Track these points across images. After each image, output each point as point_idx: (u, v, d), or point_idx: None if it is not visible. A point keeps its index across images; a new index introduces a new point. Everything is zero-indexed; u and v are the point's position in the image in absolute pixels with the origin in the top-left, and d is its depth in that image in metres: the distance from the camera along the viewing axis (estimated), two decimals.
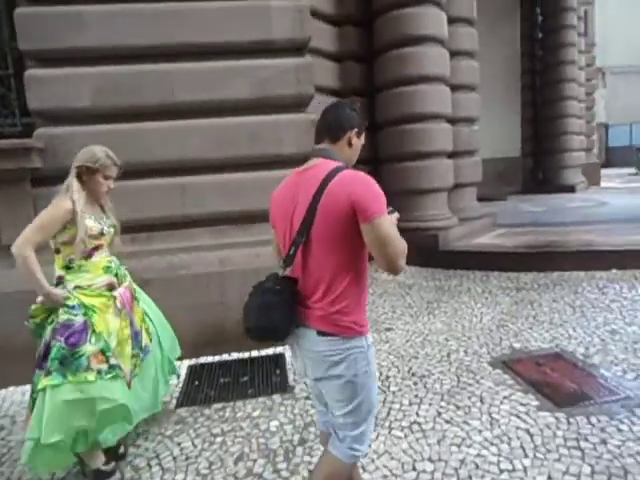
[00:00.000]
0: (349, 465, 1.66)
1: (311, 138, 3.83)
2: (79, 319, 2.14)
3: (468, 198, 6.96)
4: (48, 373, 2.08)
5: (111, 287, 2.29)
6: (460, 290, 4.82)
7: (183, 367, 3.47)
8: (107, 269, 2.32)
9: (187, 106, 3.62)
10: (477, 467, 2.17)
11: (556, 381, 2.89)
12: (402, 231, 1.49)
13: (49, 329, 2.16)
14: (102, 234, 2.29)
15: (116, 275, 2.38)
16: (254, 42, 3.63)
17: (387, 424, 2.57)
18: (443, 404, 2.73)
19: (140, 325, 2.47)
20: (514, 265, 5.20)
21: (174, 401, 3.03)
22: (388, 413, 2.68)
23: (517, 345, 3.45)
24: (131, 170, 3.55)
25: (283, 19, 3.62)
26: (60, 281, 2.22)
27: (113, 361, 2.21)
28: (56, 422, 2.05)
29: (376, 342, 3.62)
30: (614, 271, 4.95)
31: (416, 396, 2.84)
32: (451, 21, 6.31)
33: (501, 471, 2.13)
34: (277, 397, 2.98)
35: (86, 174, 2.24)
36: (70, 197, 2.17)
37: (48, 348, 2.12)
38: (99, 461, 2.31)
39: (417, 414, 2.65)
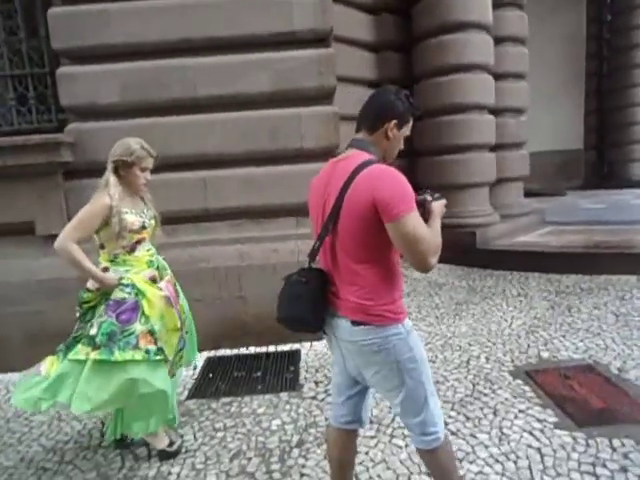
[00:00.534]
0: (442, 448, 1.61)
1: (334, 131, 3.81)
2: (132, 298, 2.17)
3: (514, 193, 6.57)
4: (95, 346, 2.08)
5: (154, 280, 2.31)
6: (494, 292, 4.55)
7: (201, 359, 3.51)
8: (150, 263, 2.33)
9: (209, 100, 3.63)
10: None
11: (582, 396, 2.65)
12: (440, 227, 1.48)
13: (101, 309, 2.18)
14: (144, 227, 2.28)
15: (157, 268, 2.39)
16: (275, 34, 3.57)
17: (389, 431, 2.47)
18: (453, 414, 2.58)
19: (184, 319, 2.46)
20: (557, 266, 4.84)
21: (186, 392, 3.08)
22: (392, 419, 2.57)
23: (545, 354, 3.20)
24: (159, 165, 3.67)
25: (304, 9, 3.53)
26: (105, 271, 2.25)
27: (160, 344, 2.22)
28: (89, 394, 2.06)
29: None
30: None
31: None
32: (498, 5, 5.93)
33: None
34: (284, 395, 2.94)
35: (123, 168, 2.23)
36: (108, 192, 2.17)
37: (99, 327, 2.14)
38: (163, 442, 2.39)
39: None
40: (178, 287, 2.61)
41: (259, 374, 3.27)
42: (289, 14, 3.54)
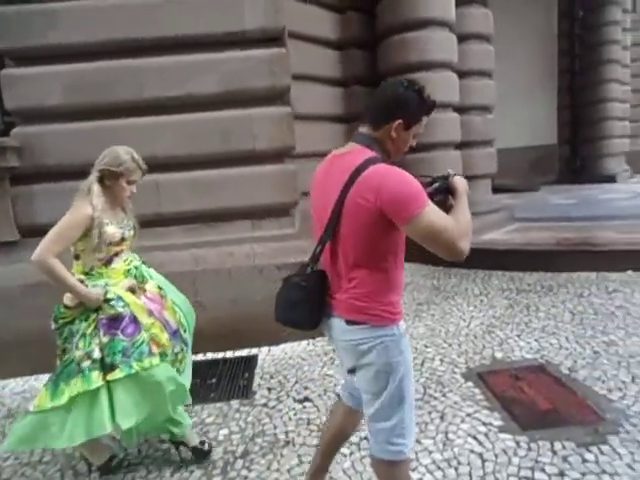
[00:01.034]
0: (401, 465, 1.56)
1: (288, 132, 3.75)
2: (126, 311, 2.09)
3: (482, 191, 6.59)
4: (111, 367, 2.00)
5: (132, 290, 2.20)
6: (456, 291, 4.55)
7: None
8: (127, 273, 2.22)
9: (157, 102, 3.55)
10: None
11: (530, 398, 2.65)
12: None
13: (83, 325, 2.07)
14: (123, 239, 2.18)
15: (135, 276, 2.27)
16: (226, 33, 3.50)
17: None
18: None
19: (176, 321, 2.37)
20: (520, 264, 4.86)
21: None
22: None
23: (499, 355, 3.20)
24: None
25: (256, 8, 3.47)
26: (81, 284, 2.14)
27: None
28: (129, 411, 2.02)
29: None
30: (629, 273, 4.53)
31: None
32: (462, 2, 5.92)
33: None
34: (235, 403, 2.89)
35: (109, 178, 2.11)
36: (90, 202, 2.05)
37: (100, 347, 2.04)
38: (195, 440, 2.37)
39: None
40: (168, 283, 2.48)
41: (214, 381, 3.21)
42: (240, 13, 3.47)
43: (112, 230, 2.10)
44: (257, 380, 3.16)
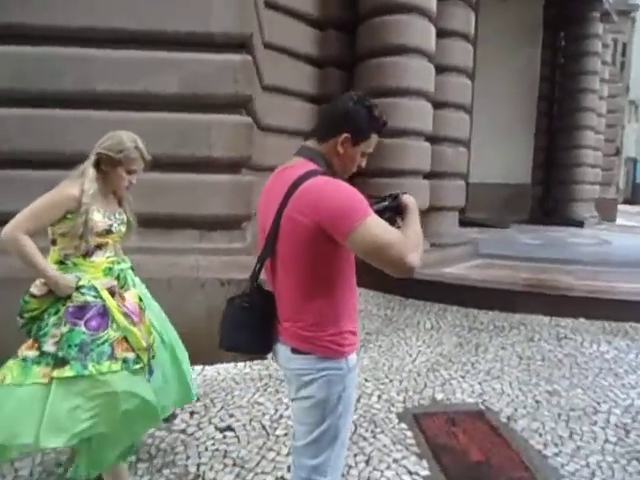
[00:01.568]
0: None
1: (245, 142, 3.60)
2: (98, 301, 1.83)
3: (449, 223, 6.55)
4: (62, 363, 1.73)
5: (112, 293, 1.92)
6: (408, 323, 4.42)
7: None
8: (108, 271, 1.96)
9: (109, 96, 3.35)
10: None
11: (463, 447, 2.50)
12: None
13: (52, 319, 1.82)
14: (109, 232, 1.93)
15: (117, 278, 2.00)
16: (190, 33, 3.35)
17: (251, 476, 2.23)
18: None
19: (149, 344, 2.00)
20: (476, 301, 4.78)
21: None
22: (258, 463, 2.33)
23: (440, 396, 3.06)
24: (44, 159, 3.35)
25: (224, 12, 3.34)
26: None
27: (137, 352, 1.87)
28: (63, 422, 1.70)
29: (279, 378, 3.22)
30: (582, 320, 4.49)
31: None
32: (444, 34, 5.95)
33: None
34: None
35: (106, 164, 1.90)
36: (80, 184, 1.84)
37: (61, 339, 1.77)
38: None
39: (288, 469, 2.29)
40: (151, 311, 2.16)
41: None
42: (207, 15, 3.33)
43: (98, 218, 1.88)
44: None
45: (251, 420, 2.72)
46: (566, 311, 4.54)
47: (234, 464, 2.32)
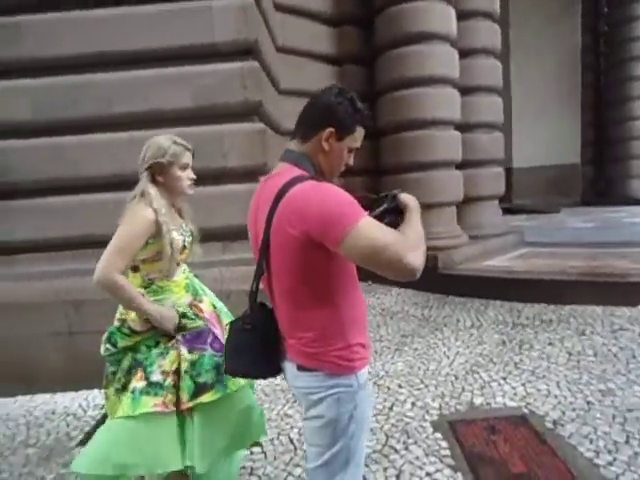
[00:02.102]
0: None
1: (261, 149, 3.55)
2: (203, 323, 1.84)
3: (489, 213, 6.22)
4: (203, 390, 1.72)
5: (190, 307, 1.91)
6: (446, 322, 4.21)
7: None
8: (187, 287, 1.93)
9: (125, 118, 3.40)
10: None
11: (502, 458, 2.31)
12: None
13: (155, 351, 1.78)
14: (184, 247, 1.87)
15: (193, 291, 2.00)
16: (195, 46, 3.35)
17: None
18: None
19: None
20: (520, 294, 4.48)
21: None
22: (285, 478, 2.26)
23: (478, 400, 2.86)
24: (66, 185, 3.44)
25: (226, 20, 3.31)
26: None
27: None
28: (208, 445, 1.73)
29: None
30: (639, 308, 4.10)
31: None
32: (467, 15, 5.66)
33: None
34: None
35: (159, 172, 1.81)
36: (150, 206, 1.75)
37: (178, 372, 1.75)
38: None
39: None
40: (223, 314, 2.10)
41: None
42: (209, 25, 3.32)
43: (175, 236, 1.81)
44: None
45: (279, 434, 2.65)
46: (621, 300, 4.16)
47: None
